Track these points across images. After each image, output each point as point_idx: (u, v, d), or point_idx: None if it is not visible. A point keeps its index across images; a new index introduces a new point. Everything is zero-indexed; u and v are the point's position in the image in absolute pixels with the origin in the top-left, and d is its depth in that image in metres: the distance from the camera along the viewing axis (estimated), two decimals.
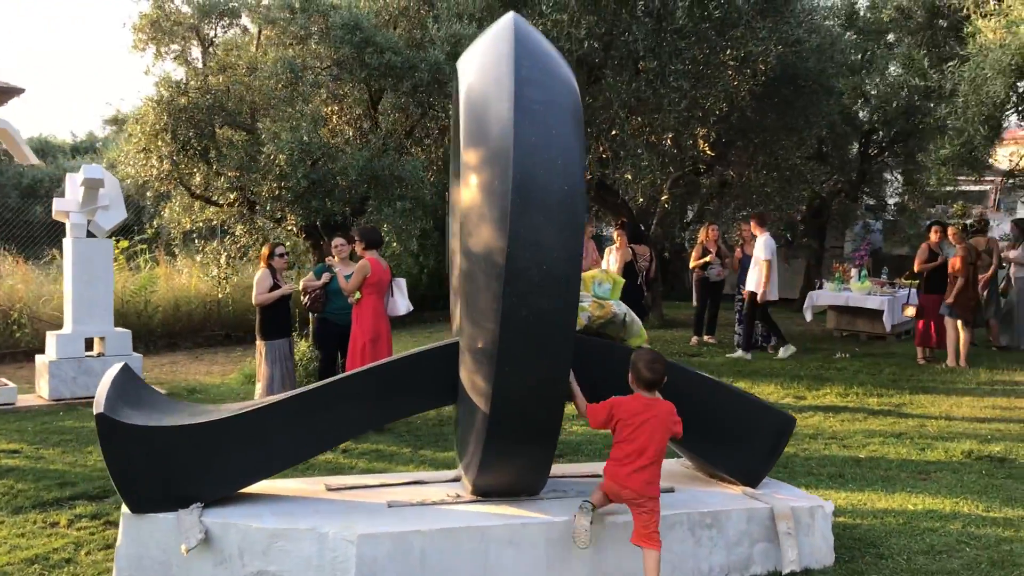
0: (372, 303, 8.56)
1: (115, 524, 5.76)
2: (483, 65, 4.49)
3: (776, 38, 11.58)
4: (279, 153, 9.38)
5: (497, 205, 4.16)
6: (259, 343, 8.82)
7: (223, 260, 11.29)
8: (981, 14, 7.57)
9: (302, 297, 9.21)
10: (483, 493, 4.92)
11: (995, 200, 30.81)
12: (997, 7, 7.49)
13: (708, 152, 13.28)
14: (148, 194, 11.31)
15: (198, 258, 11.96)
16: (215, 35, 10.76)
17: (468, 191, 4.37)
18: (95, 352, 10.52)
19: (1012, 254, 13.48)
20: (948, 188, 20.65)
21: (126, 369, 5.10)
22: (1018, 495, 6.20)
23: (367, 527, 4.45)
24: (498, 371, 4.27)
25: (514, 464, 4.71)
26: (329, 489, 5.18)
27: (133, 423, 4.58)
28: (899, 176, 18.42)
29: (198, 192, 10.63)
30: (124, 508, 4.68)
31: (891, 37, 11.66)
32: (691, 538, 4.80)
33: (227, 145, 10.18)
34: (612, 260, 12.68)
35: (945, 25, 9.59)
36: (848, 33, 15.50)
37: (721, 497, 5.08)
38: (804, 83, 13.86)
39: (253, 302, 8.70)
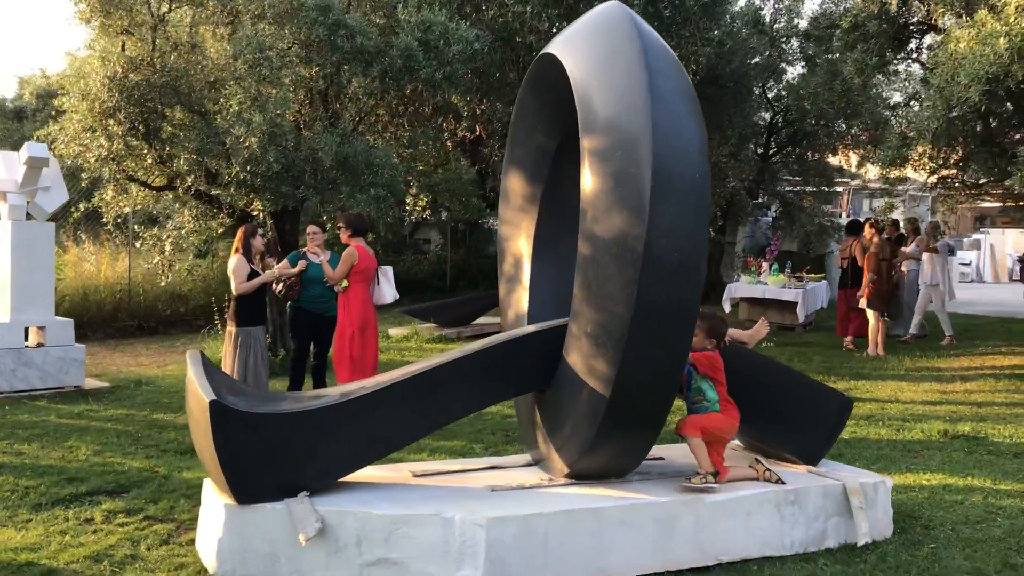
0: (360, 291, 8.43)
1: (156, 519, 5.55)
2: (606, 55, 4.57)
3: (708, 40, 12.07)
4: (250, 136, 9.08)
5: (634, 192, 4.24)
6: (232, 329, 8.49)
7: (167, 247, 10.78)
8: (957, 25, 8.17)
9: (275, 286, 8.95)
10: (577, 476, 4.99)
11: (847, 202, 32.97)
12: (970, 20, 8.11)
13: None
14: (83, 175, 10.69)
15: (138, 244, 11.35)
16: (168, 10, 10.27)
17: (595, 178, 4.43)
18: (32, 342, 9.88)
19: (905, 250, 14.52)
20: (830, 188, 22.04)
21: (203, 356, 4.89)
22: (1012, 469, 6.77)
23: (493, 511, 4.45)
24: (624, 356, 4.36)
25: (622, 447, 4.81)
26: (415, 475, 5.13)
27: (245, 411, 4.42)
28: (796, 175, 19.51)
29: (148, 175, 10.14)
30: (223, 502, 4.49)
31: (837, 43, 12.37)
32: (777, 515, 5.03)
33: (183, 127, 9.76)
34: None
35: (896, 36, 10.31)
36: (762, 39, 16.29)
37: (794, 476, 5.34)
38: (726, 84, 14.49)
39: (234, 292, 8.39)
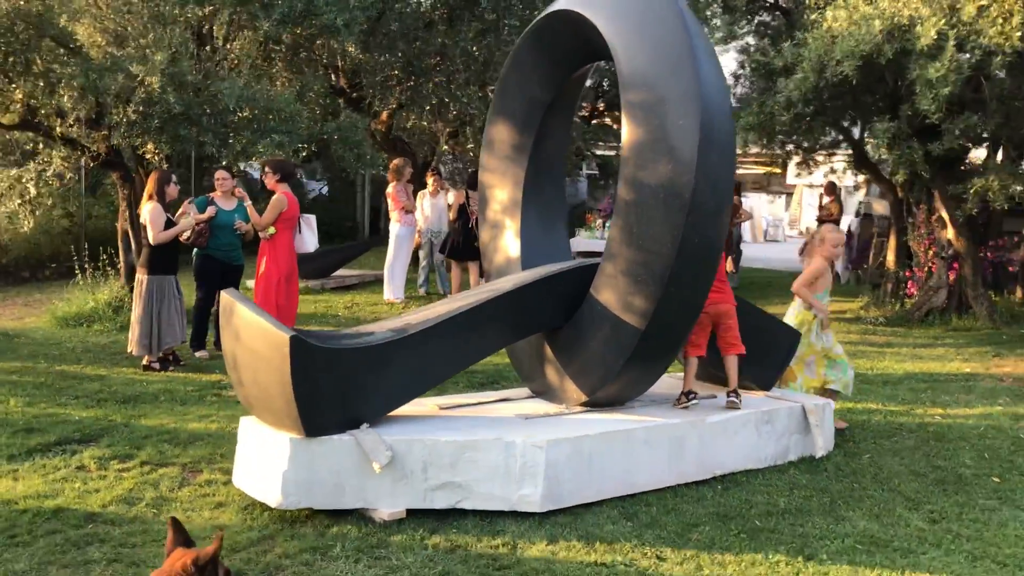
0: (287, 239, 8.40)
1: (152, 463, 5.48)
2: (645, 15, 4.98)
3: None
4: (149, 75, 8.69)
5: (684, 144, 4.73)
6: (143, 278, 8.21)
7: (31, 189, 10.05)
8: (835, 6, 9.20)
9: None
10: (593, 405, 5.45)
11: None
12: (845, 2, 9.16)
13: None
14: None
15: None
16: None
17: (640, 130, 4.87)
18: None
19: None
20: None
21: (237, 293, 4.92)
22: (891, 394, 7.92)
23: (549, 434, 4.84)
24: (665, 293, 4.87)
25: (642, 375, 5.33)
26: (442, 408, 5.40)
27: (323, 346, 4.53)
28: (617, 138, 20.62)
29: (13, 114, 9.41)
30: (288, 436, 4.59)
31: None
32: (756, 433, 5.74)
33: (63, 63, 9.14)
34: (426, 205, 13.08)
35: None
36: None
37: (760, 400, 6.07)
38: None
39: (152, 241, 8.09)
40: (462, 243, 12.53)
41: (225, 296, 4.89)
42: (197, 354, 8.73)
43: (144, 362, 8.13)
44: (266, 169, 8.47)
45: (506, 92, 6.16)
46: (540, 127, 6.11)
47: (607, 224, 16.58)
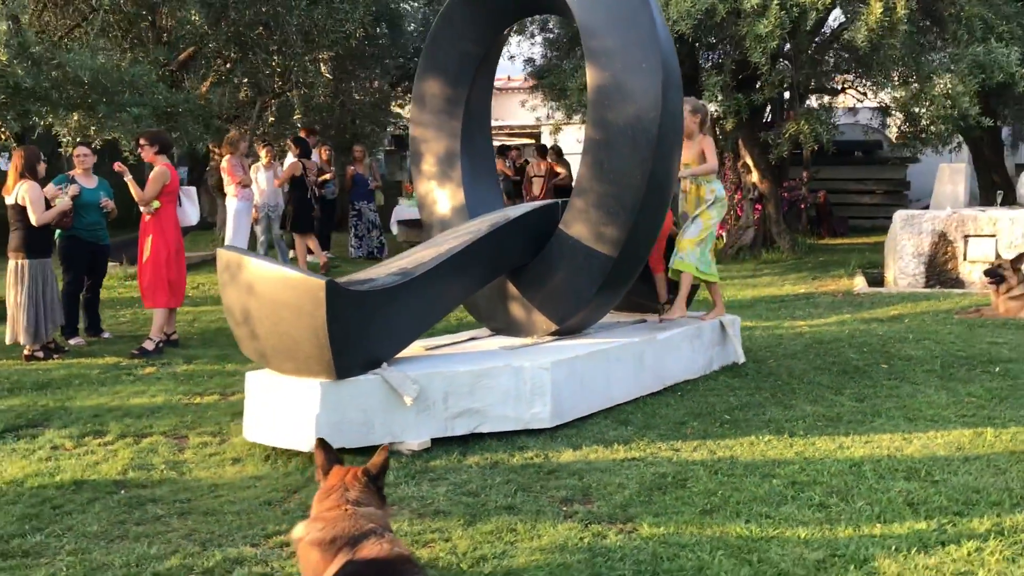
0: (171, 213, 8.13)
1: (130, 436, 5.37)
2: None
3: None
4: None
5: (649, 82, 5.28)
6: (22, 262, 7.73)
7: None
8: None
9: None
10: (558, 334, 5.91)
11: None
12: None
13: (327, 76, 14.06)
14: None
15: None
16: None
17: (605, 73, 5.37)
18: None
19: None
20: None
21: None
22: (763, 312, 8.96)
23: (550, 357, 5.26)
24: (636, 221, 5.43)
25: (608, 301, 5.86)
26: (427, 349, 5.66)
27: (352, 289, 4.69)
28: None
29: None
30: (317, 380, 4.73)
31: None
32: (690, 346, 6.44)
33: None
34: (261, 178, 12.86)
35: None
36: None
37: (682, 319, 6.78)
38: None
39: (34, 222, 7.61)
40: (301, 215, 12.46)
41: (226, 253, 4.90)
42: (72, 341, 8.29)
43: (27, 352, 7.65)
44: (142, 142, 8.14)
45: (437, 47, 6.42)
46: (472, 80, 6.43)
47: None
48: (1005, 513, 3.83)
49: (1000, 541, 3.54)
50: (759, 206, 13.60)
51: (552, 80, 12.84)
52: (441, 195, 6.50)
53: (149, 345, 7.84)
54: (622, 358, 5.74)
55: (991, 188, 15.47)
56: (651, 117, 5.26)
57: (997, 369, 6.42)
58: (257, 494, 4.36)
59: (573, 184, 5.27)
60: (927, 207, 11.24)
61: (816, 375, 6.46)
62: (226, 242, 12.52)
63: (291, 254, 12.92)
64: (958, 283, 9.80)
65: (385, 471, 3.35)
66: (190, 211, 8.59)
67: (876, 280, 10.70)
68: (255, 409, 4.97)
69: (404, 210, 16.70)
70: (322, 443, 3.38)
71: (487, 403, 5.04)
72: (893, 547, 3.51)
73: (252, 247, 13.22)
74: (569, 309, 5.74)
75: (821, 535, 3.68)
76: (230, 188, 12.37)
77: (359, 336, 4.74)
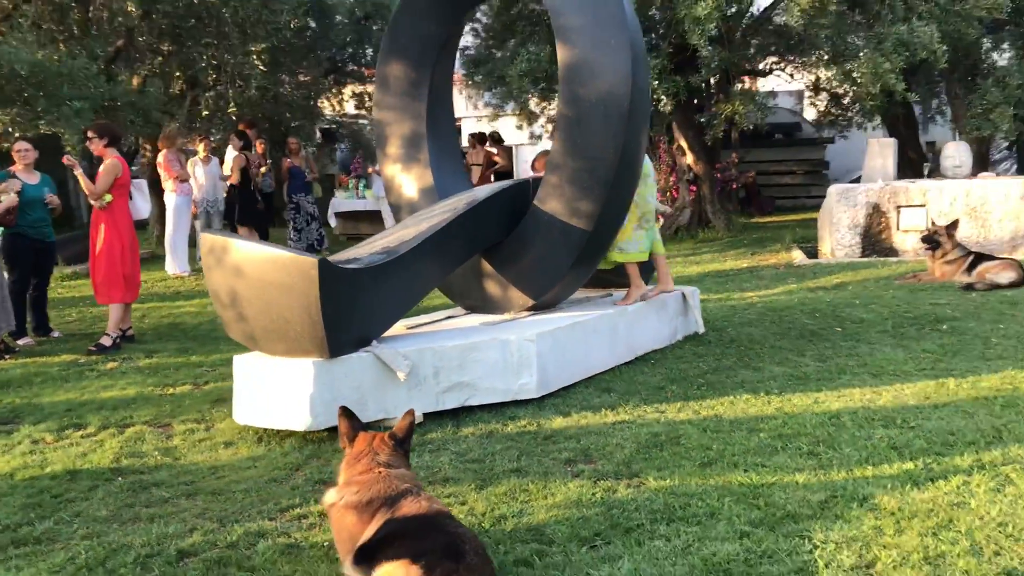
0: (123, 205, 8.00)
1: (114, 426, 5.32)
2: None
3: None
4: None
5: (619, 60, 5.43)
6: None
7: None
8: None
9: None
10: (534, 309, 6.04)
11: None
12: None
13: (262, 69, 13.90)
14: None
15: None
16: None
17: (575, 50, 5.50)
18: None
19: None
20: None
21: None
22: (711, 286, 9.22)
23: (534, 330, 5.38)
24: (609, 195, 5.58)
25: (582, 275, 6.00)
26: (408, 328, 5.73)
27: (343, 267, 4.72)
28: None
29: None
30: (310, 360, 4.76)
31: None
32: (656, 317, 6.64)
33: None
34: (199, 172, 12.66)
35: None
36: None
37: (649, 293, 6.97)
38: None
39: None
40: (248, 208, 12.34)
41: (210, 237, 4.88)
42: (20, 342, 8.09)
43: None
44: (90, 134, 7.97)
45: (399, 29, 6.46)
46: (435, 62, 6.49)
47: (362, 184, 16.87)
48: (982, 451, 4.09)
49: (983, 475, 3.78)
50: (694, 187, 13.94)
51: (490, 68, 12.92)
52: (408, 177, 6.55)
53: (106, 341, 7.71)
54: (599, 329, 5.89)
55: (907, 164, 16.13)
56: (622, 92, 5.41)
57: (944, 327, 6.78)
58: (260, 473, 4.37)
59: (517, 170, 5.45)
60: (858, 181, 11.69)
61: (776, 340, 6.71)
62: (166, 239, 12.33)
63: None
64: (892, 252, 10.24)
65: (411, 434, 3.42)
66: (141, 205, 8.46)
67: (811, 253, 11.10)
68: (245, 392, 4.96)
69: (341, 202, 16.61)
70: (346, 411, 3.44)
71: (476, 376, 5.14)
72: (887, 485, 3.73)
73: (192, 243, 13.04)
74: (545, 284, 5.86)
75: (817, 479, 3.88)
76: (168, 184, 12.16)
77: (350, 314, 4.78)
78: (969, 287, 8.08)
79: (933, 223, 8.83)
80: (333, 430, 4.85)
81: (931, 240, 8.52)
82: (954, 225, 8.64)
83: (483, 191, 5.92)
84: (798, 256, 10.72)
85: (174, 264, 12.31)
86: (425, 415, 5.02)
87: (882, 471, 3.92)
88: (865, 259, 10.16)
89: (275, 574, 3.24)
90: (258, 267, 4.69)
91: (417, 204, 6.42)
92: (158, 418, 5.47)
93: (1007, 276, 8.06)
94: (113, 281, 7.77)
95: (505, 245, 5.92)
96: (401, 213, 6.51)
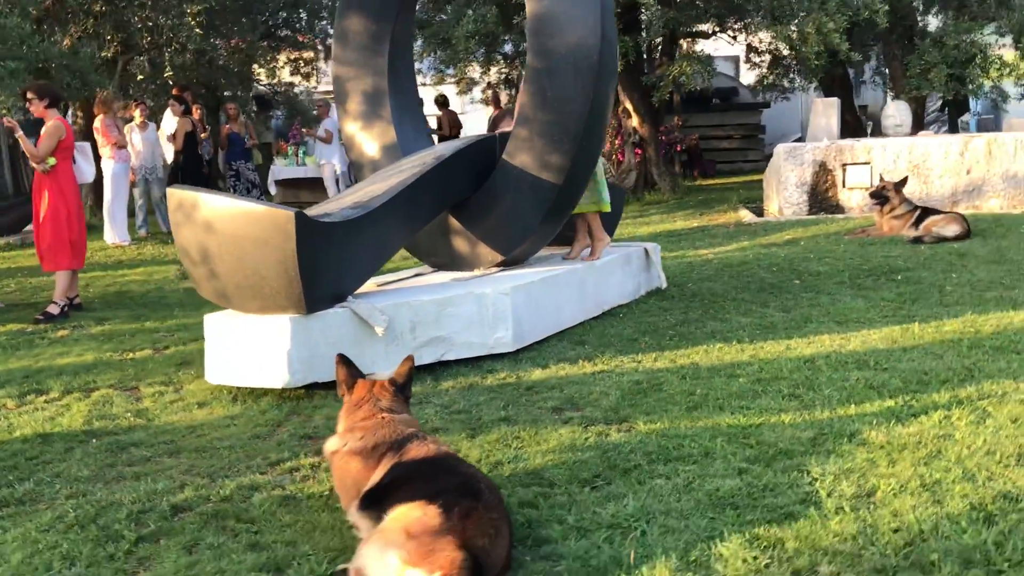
0: (68, 169, 7.72)
1: (77, 391, 5.16)
2: None
3: None
4: None
5: (588, 12, 5.39)
6: None
7: None
8: None
9: None
10: (503, 265, 6.01)
11: None
12: None
13: (199, 32, 13.49)
14: None
15: None
16: None
17: (546, 2, 5.45)
18: None
19: None
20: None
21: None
22: (668, 244, 9.29)
23: (509, 284, 5.35)
24: (579, 148, 5.57)
25: (550, 230, 5.98)
26: (379, 285, 5.65)
27: (320, 220, 4.63)
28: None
29: None
30: (287, 316, 4.67)
31: None
32: (621, 272, 6.67)
33: None
34: (136, 139, 12.30)
35: None
36: None
37: (611, 250, 7.00)
38: None
39: None
40: (195, 173, 12.04)
41: (178, 192, 4.74)
42: None
43: None
44: (29, 95, 7.65)
45: None
46: (395, 15, 6.37)
47: (302, 150, 16.56)
48: (957, 388, 4.21)
49: (962, 409, 3.89)
50: (639, 150, 14.01)
51: (434, 30, 12.76)
52: (370, 134, 6.44)
53: (54, 309, 7.47)
54: (569, 283, 5.90)
55: (844, 127, 16.45)
56: (591, 44, 5.38)
57: (899, 277, 6.95)
58: (240, 431, 4.29)
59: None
60: (800, 140, 11.88)
61: (737, 293, 6.81)
62: (105, 207, 11.97)
63: None
64: (839, 209, 10.46)
65: (411, 380, 3.38)
66: (85, 168, 8.19)
67: (758, 213, 11.26)
68: (217, 351, 4.85)
69: (281, 170, 16.29)
70: (343, 358, 3.38)
71: (452, 331, 5.10)
72: (872, 422, 3.82)
73: (131, 213, 12.69)
74: (515, 239, 5.83)
75: (803, 419, 3.95)
76: (105, 150, 11.78)
77: (326, 269, 4.70)
78: (917, 240, 8.29)
79: (882, 179, 9.02)
80: (311, 387, 4.78)
81: (880, 196, 8.72)
82: (903, 182, 8.84)
83: (450, 146, 5.86)
84: (747, 215, 10.88)
85: (113, 233, 11.96)
86: None
87: (864, 409, 4.00)
88: (813, 216, 10.36)
89: (276, 524, 3.18)
90: (230, 222, 4.57)
91: (379, 162, 6.32)
92: (123, 382, 5.32)
93: (952, 229, 8.28)
94: (60, 247, 7.52)
95: (473, 201, 5.87)
96: (363, 171, 6.40)
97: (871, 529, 2.81)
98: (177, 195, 4.71)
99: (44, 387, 5.25)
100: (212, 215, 4.59)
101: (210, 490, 3.51)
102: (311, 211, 5.21)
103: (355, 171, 6.58)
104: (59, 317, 7.37)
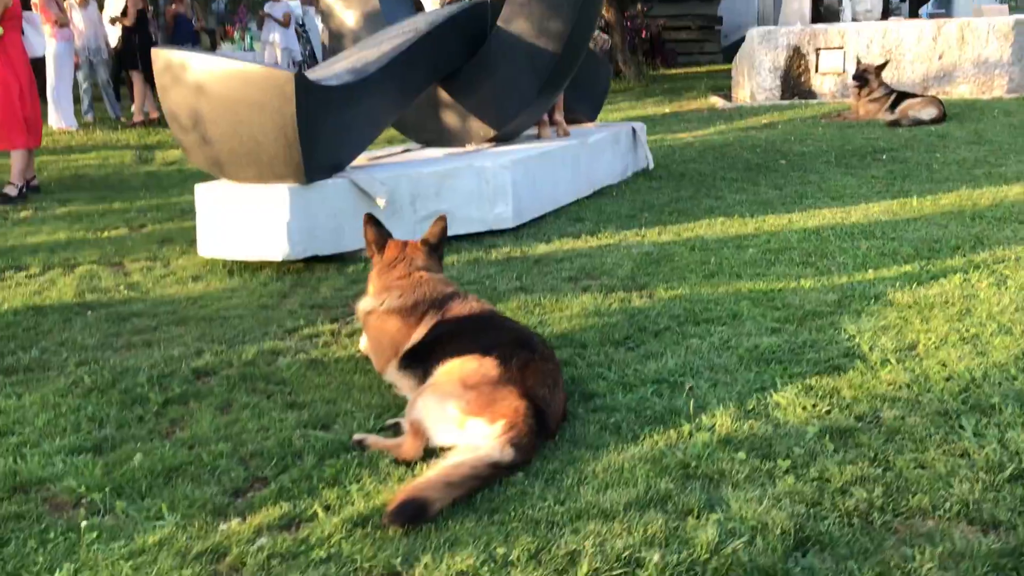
0: (17, 40, 7.26)
1: (62, 267, 4.94)
2: None
3: None
4: None
5: None
6: None
7: None
8: None
9: None
10: (495, 140, 5.84)
11: None
12: None
13: None
14: None
15: None
16: None
17: None
18: None
19: None
20: None
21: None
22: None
23: (509, 158, 5.20)
24: (579, 12, 5.37)
25: (546, 103, 5.81)
26: (371, 159, 5.45)
27: (319, 83, 4.40)
28: None
29: None
30: (285, 185, 4.48)
31: None
32: (611, 151, 6.55)
33: None
34: (77, 18, 11.65)
35: None
36: None
37: (598, 128, 6.86)
38: None
39: None
40: (144, 52, 11.44)
41: (164, 52, 4.45)
42: None
43: None
44: None
45: None
46: None
47: (249, 35, 15.93)
48: (969, 254, 4.23)
49: (980, 273, 3.91)
50: (605, 35, 13.71)
51: None
52: (351, 1, 6.12)
53: (11, 191, 7.13)
54: (564, 160, 5.78)
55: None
56: None
57: (884, 157, 6.95)
58: (245, 301, 4.14)
59: None
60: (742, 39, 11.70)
61: (725, 172, 6.75)
62: (48, 90, 11.37)
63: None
64: (811, 94, 10.40)
65: (444, 240, 3.26)
66: (35, 40, 7.71)
67: (728, 100, 11.15)
68: (209, 223, 4.65)
69: (228, 55, 15.63)
70: (371, 218, 3.23)
71: (453, 205, 4.96)
72: (895, 284, 3.81)
73: (76, 98, 12.12)
74: (509, 111, 5.66)
75: (822, 284, 3.93)
76: (46, 28, 11.10)
77: (325, 136, 4.50)
78: (895, 123, 8.29)
79: (860, 62, 8.95)
80: (311, 260, 4.64)
81: (861, 78, 8.66)
82: (883, 66, 8.79)
83: (441, 13, 5.59)
84: (719, 101, 10.78)
85: (59, 118, 11.41)
86: None
87: (882, 274, 4.00)
88: (787, 101, 10.29)
89: (309, 385, 3.07)
90: (224, 84, 4.31)
91: (360, 32, 6.02)
92: (105, 258, 5.10)
93: (929, 112, 8.29)
94: (13, 125, 7.12)
95: (465, 72, 5.65)
96: (344, 41, 6.11)
97: (923, 378, 2.81)
98: (164, 56, 4.43)
99: (21, 263, 5.02)
100: (204, 77, 4.33)
101: (231, 355, 3.38)
102: (320, 75, 4.96)
103: (333, 41, 6.27)
104: (17, 199, 7.04)
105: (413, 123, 6.00)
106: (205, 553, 2.08)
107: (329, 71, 4.95)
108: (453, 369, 2.61)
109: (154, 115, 11.57)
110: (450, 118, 5.80)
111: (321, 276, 4.47)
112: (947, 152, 6.98)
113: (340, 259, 4.70)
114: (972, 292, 3.65)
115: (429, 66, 5.34)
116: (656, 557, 1.90)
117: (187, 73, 4.36)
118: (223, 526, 2.20)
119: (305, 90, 4.24)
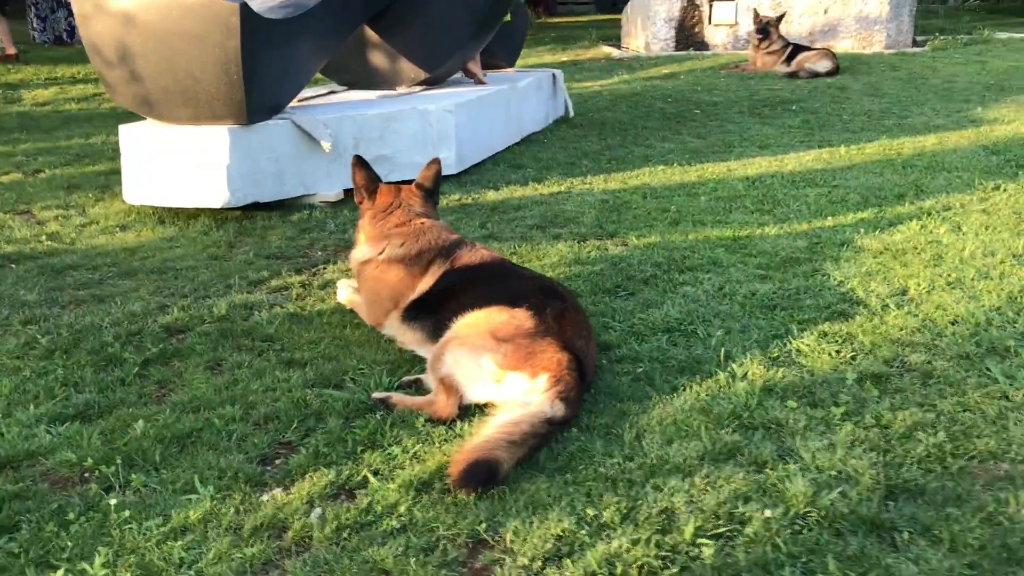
0: None
1: None
2: None
3: None
4: None
5: None
6: None
7: None
8: None
9: None
10: (425, 83, 5.62)
11: None
12: None
13: None
14: None
15: None
16: None
17: None
18: None
19: None
20: None
21: None
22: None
23: (452, 101, 5.00)
24: None
25: (477, 45, 5.62)
26: (299, 100, 5.14)
27: (264, 16, 4.08)
28: None
29: None
30: (225, 127, 4.16)
31: None
32: (535, 98, 6.43)
33: None
34: None
35: None
36: None
37: (523, 73, 6.72)
38: None
39: None
40: None
41: None
42: None
43: None
44: None
45: None
46: None
47: None
48: (916, 201, 4.36)
49: (934, 220, 4.03)
50: None
51: None
52: None
53: None
54: (497, 105, 5.62)
55: None
56: None
57: (794, 107, 7.11)
58: (190, 252, 3.83)
59: None
60: None
61: (644, 122, 6.75)
62: None
63: None
64: (704, 46, 10.54)
65: (439, 183, 3.08)
66: None
67: (619, 49, 11.18)
68: (136, 168, 4.28)
69: None
70: (360, 160, 3.02)
71: (397, 149, 4.75)
72: (860, 231, 3.88)
73: None
74: (441, 54, 5.44)
75: (787, 231, 3.96)
76: None
77: (269, 73, 4.19)
78: (792, 75, 8.50)
79: (758, 14, 9.09)
80: (252, 207, 4.34)
81: (764, 30, 8.81)
82: (781, 18, 8.97)
83: None
84: (613, 51, 10.78)
85: None
86: (346, 191, 4.60)
87: (840, 221, 4.07)
88: (682, 52, 10.39)
89: (300, 340, 2.87)
90: (158, 14, 3.94)
91: None
92: (7, 205, 4.63)
93: (824, 65, 8.53)
94: None
95: (394, 9, 5.38)
96: None
97: (930, 323, 2.86)
98: None
99: None
100: (133, 5, 3.93)
101: (200, 310, 3.12)
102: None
103: None
104: None
105: (335, 63, 5.68)
106: (262, 528, 1.90)
107: (264, 3, 4.60)
108: (479, 321, 2.46)
109: (11, 51, 10.60)
110: (378, 59, 5.52)
111: (266, 224, 4.20)
112: (852, 104, 7.20)
113: (281, 206, 4.42)
114: (935, 239, 3.76)
115: (363, 2, 5.04)
116: (767, 512, 1.84)
117: (113, 1, 3.95)
118: (265, 497, 2.01)
119: (250, 23, 3.92)
